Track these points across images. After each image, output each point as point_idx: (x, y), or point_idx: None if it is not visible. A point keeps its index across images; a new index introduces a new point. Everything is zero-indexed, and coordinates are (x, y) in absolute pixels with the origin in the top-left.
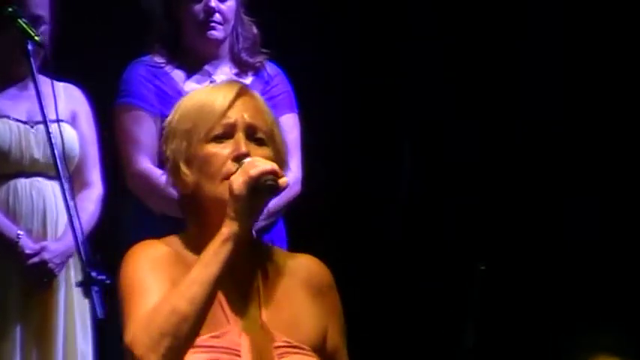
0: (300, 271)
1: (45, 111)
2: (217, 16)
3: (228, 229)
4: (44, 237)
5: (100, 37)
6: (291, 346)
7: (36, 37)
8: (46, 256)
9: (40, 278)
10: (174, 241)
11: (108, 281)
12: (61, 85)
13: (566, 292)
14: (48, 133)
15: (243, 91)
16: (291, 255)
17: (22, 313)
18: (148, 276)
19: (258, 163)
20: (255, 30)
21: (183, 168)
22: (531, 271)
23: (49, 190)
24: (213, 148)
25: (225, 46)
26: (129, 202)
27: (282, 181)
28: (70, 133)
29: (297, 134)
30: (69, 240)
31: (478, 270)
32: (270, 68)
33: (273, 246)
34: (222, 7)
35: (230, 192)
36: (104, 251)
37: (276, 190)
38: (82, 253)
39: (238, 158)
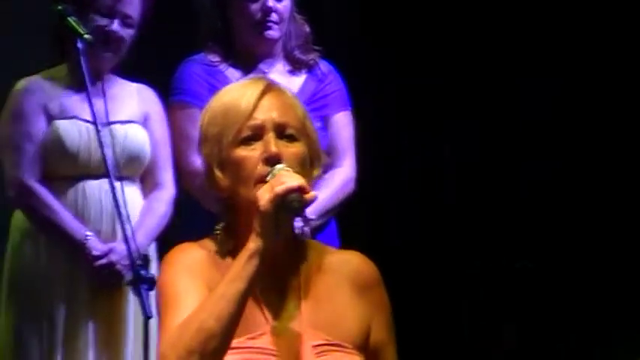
0: (345, 268)
1: (94, 112)
2: (274, 16)
3: (255, 244)
4: (113, 239)
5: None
6: (330, 344)
7: (85, 36)
8: (113, 257)
9: (108, 280)
10: (210, 244)
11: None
12: (134, 86)
13: (612, 290)
14: (98, 134)
15: (268, 88)
16: (335, 252)
17: (93, 314)
18: (182, 282)
19: (285, 179)
20: (307, 28)
21: (217, 172)
22: (575, 270)
23: (117, 192)
24: (243, 152)
25: (279, 44)
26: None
27: (308, 196)
28: (140, 133)
29: (350, 132)
30: (137, 241)
31: (519, 268)
32: (324, 66)
33: (316, 243)
34: (279, 6)
35: (257, 208)
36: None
37: (302, 208)
38: (132, 251)
39: (269, 160)
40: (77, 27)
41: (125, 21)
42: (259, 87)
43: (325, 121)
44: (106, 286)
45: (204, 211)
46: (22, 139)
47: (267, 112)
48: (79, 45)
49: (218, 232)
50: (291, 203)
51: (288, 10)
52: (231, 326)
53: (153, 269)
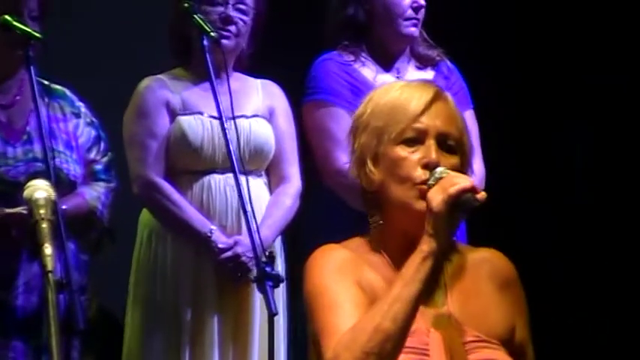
0: (485, 265)
1: (223, 106)
2: (420, 13)
3: (428, 246)
4: (239, 232)
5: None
6: (480, 340)
7: (212, 33)
8: (239, 250)
9: (235, 273)
10: (354, 243)
11: (282, 277)
12: (258, 82)
13: None
14: (223, 129)
15: (437, 96)
16: (473, 249)
17: (219, 308)
18: (336, 285)
19: (457, 180)
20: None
21: (370, 165)
22: None
23: (243, 186)
24: (402, 151)
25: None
26: (321, 201)
27: (480, 196)
28: (265, 128)
29: (476, 131)
30: (263, 235)
31: None
32: (446, 64)
33: (455, 241)
34: (422, 2)
35: (429, 209)
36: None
37: (475, 207)
38: (257, 248)
39: (428, 166)
40: (204, 24)
41: (238, 7)
42: (430, 92)
43: None
44: (233, 279)
45: (339, 208)
46: (146, 136)
47: (434, 119)
48: (205, 42)
49: (372, 227)
50: (465, 203)
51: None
52: (406, 328)
53: (278, 265)
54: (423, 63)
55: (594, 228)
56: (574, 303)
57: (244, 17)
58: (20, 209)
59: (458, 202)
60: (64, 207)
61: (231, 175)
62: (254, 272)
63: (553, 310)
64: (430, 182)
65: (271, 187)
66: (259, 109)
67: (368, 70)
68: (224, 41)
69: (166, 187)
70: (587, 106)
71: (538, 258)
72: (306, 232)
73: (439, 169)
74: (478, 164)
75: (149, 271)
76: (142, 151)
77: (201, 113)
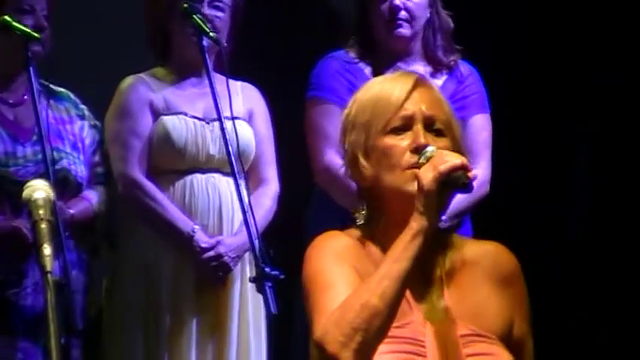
0: (487, 259)
1: (220, 108)
2: (403, 14)
3: (418, 223)
4: (220, 232)
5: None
6: (476, 334)
7: (211, 34)
8: (221, 249)
9: (215, 272)
10: (355, 232)
11: (281, 277)
12: (238, 84)
13: None
14: (222, 129)
15: (419, 82)
16: (477, 242)
17: (198, 308)
18: (333, 268)
19: (448, 158)
20: (451, 24)
21: (362, 160)
22: None
23: (224, 187)
24: (391, 140)
25: (418, 44)
26: (313, 197)
27: (471, 174)
28: (246, 130)
29: (487, 135)
30: (244, 235)
31: None
32: (464, 67)
33: (456, 236)
34: (409, 4)
35: (419, 187)
36: (285, 247)
37: (468, 185)
38: (256, 248)
39: (417, 150)
40: (203, 25)
41: (214, 4)
42: (410, 80)
43: (462, 123)
44: (213, 279)
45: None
46: (129, 135)
47: (418, 104)
48: (205, 43)
49: (357, 220)
50: (456, 180)
51: (421, 8)
52: (394, 305)
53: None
54: (437, 68)
55: (595, 230)
56: (574, 303)
57: (220, 14)
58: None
59: (449, 179)
60: (71, 211)
61: (213, 175)
62: (252, 272)
63: (553, 310)
64: (421, 161)
65: (251, 189)
66: (239, 110)
67: (371, 70)
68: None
69: (149, 186)
70: (588, 107)
71: (539, 257)
72: (301, 232)
73: (430, 149)
74: (483, 168)
75: (129, 266)
76: (126, 150)
77: (185, 114)
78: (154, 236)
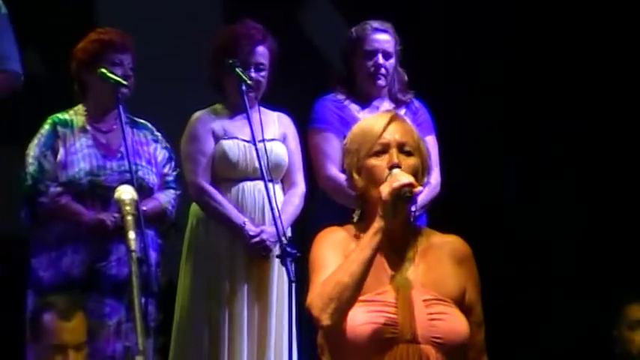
0: (447, 245)
1: (255, 133)
2: (383, 70)
3: (378, 224)
4: (263, 223)
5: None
6: (437, 299)
7: (248, 82)
8: (264, 236)
9: (260, 252)
10: (351, 227)
11: (298, 254)
12: (275, 114)
13: None
14: (256, 150)
15: (394, 118)
16: (440, 234)
17: (248, 278)
18: (328, 254)
19: (400, 177)
20: (405, 77)
21: (355, 176)
22: None
23: (270, 190)
24: (374, 161)
25: (386, 88)
26: (317, 199)
27: (416, 190)
28: (281, 148)
29: (436, 151)
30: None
31: None
32: (416, 103)
33: (426, 228)
34: (386, 63)
35: (379, 198)
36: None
37: (412, 198)
38: (280, 235)
39: (392, 167)
40: (242, 75)
41: (259, 68)
42: (387, 117)
43: None
44: (259, 257)
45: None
46: (197, 154)
47: (393, 134)
48: (244, 88)
49: (354, 219)
50: (404, 194)
51: (393, 66)
52: (360, 282)
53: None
54: (398, 104)
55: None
56: (511, 276)
57: (263, 73)
58: (109, 214)
59: (399, 193)
60: (144, 208)
61: (258, 182)
62: (277, 251)
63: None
64: (387, 179)
65: (284, 190)
66: (276, 134)
67: (354, 107)
68: (250, 94)
69: (212, 190)
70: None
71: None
72: (310, 225)
73: (394, 170)
74: (436, 173)
75: (196, 249)
76: (195, 165)
77: (237, 138)
78: (218, 226)
